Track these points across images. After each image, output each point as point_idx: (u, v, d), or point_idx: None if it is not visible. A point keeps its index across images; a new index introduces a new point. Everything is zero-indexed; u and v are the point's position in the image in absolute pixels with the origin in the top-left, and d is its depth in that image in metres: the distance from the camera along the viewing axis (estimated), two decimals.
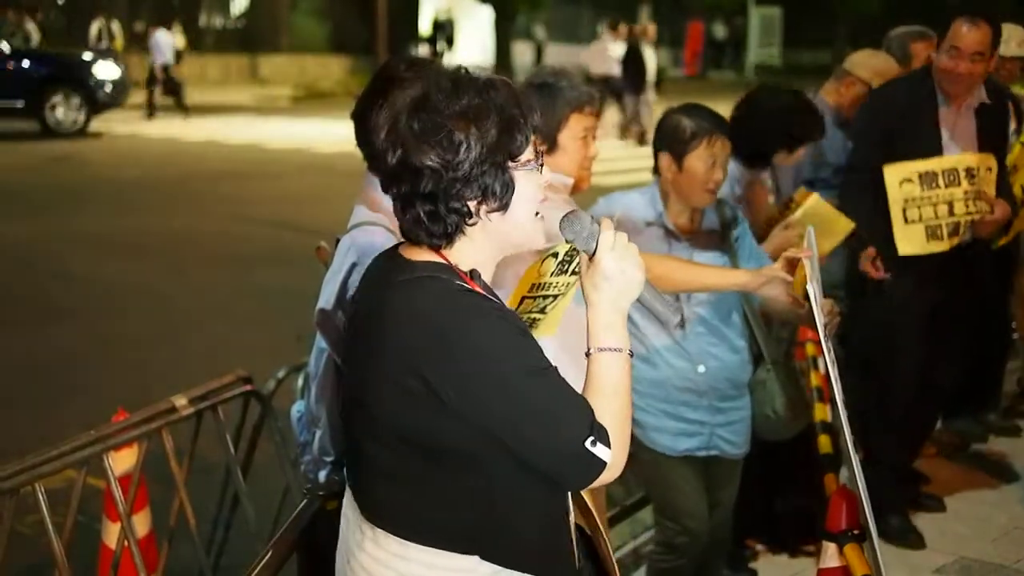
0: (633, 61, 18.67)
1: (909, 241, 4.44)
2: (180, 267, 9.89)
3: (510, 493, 1.92)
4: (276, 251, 10.21)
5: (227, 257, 10.28)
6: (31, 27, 20.95)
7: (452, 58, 30.38)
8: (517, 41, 32.65)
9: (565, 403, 1.87)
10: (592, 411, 1.88)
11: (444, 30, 32.68)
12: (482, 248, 1.95)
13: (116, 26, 25.31)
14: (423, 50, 31.39)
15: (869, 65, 5.05)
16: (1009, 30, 5.21)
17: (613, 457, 1.87)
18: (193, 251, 10.49)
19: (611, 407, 1.90)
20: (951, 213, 4.42)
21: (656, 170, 3.57)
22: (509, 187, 1.89)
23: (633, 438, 3.60)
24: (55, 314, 8.31)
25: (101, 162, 15.96)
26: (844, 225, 4.26)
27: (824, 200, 4.26)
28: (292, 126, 20.94)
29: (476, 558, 1.93)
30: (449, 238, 1.92)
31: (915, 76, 4.68)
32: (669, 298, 3.53)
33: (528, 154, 1.92)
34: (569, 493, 2.07)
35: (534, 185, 1.94)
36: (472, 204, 1.89)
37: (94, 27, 25.14)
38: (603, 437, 1.86)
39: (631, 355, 1.95)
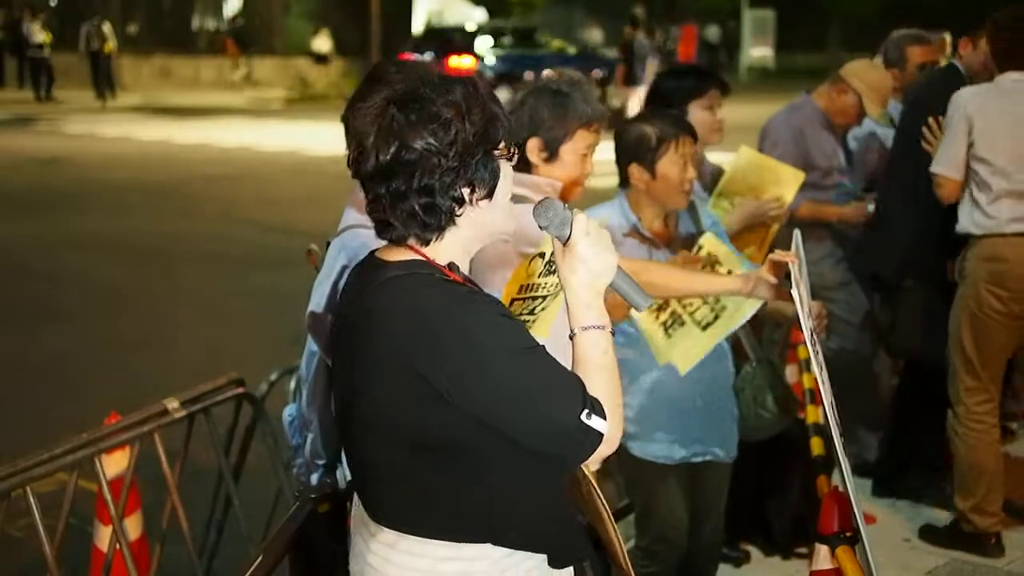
0: None
1: None
2: (172, 269, 9.87)
3: (508, 478, 1.95)
4: (268, 254, 10.20)
5: (219, 259, 10.26)
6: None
7: None
8: None
9: (557, 379, 1.89)
10: (583, 385, 1.91)
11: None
12: (462, 239, 1.98)
13: (108, 28, 25.33)
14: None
15: (864, 77, 4.98)
16: None
17: (609, 430, 1.90)
18: (185, 253, 10.47)
19: (601, 381, 1.93)
20: None
21: (623, 182, 3.56)
22: (496, 175, 1.95)
23: (625, 446, 3.62)
24: (47, 316, 8.30)
25: (92, 164, 15.93)
26: (792, 173, 4.26)
27: (757, 152, 4.31)
28: (284, 129, 20.92)
29: (488, 545, 1.97)
30: (442, 230, 1.95)
31: (952, 74, 4.77)
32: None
33: (503, 146, 1.97)
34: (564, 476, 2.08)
35: (509, 175, 2.00)
36: (466, 192, 1.92)
37: (84, 29, 25.16)
38: (598, 409, 1.89)
39: (612, 333, 1.99)
